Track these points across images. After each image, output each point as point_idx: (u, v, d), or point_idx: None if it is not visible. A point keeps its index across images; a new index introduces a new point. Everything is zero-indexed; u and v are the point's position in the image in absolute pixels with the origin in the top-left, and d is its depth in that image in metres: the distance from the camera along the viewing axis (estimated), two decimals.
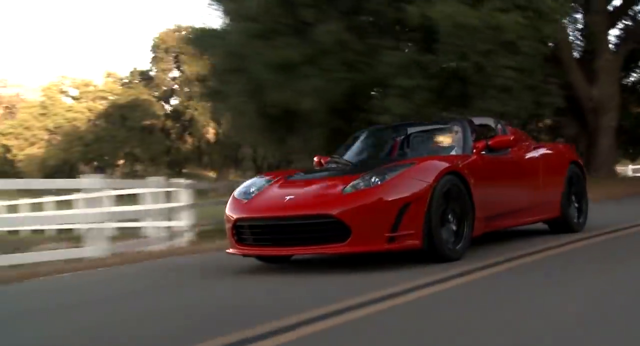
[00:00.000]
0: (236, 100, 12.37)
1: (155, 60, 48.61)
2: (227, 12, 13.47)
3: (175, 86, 48.47)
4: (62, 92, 51.38)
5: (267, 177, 5.40)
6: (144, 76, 50.22)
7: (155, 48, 49.02)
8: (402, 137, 6.10)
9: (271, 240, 4.88)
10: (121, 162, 50.04)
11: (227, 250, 5.19)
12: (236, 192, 5.27)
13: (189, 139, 50.06)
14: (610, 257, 4.77)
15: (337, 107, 12.34)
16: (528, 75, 10.86)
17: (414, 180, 4.69)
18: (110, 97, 50.25)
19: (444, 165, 4.91)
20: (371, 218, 4.53)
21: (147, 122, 47.47)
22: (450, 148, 5.66)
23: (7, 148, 49.83)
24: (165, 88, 48.94)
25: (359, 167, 5.43)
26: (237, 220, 4.97)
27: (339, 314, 3.13)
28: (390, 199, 4.57)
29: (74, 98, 51.67)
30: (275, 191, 5.06)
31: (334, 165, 5.83)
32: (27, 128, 49.28)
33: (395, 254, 4.84)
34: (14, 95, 60.27)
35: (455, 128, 5.80)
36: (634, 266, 4.30)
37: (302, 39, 12.06)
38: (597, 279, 3.81)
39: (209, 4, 14.38)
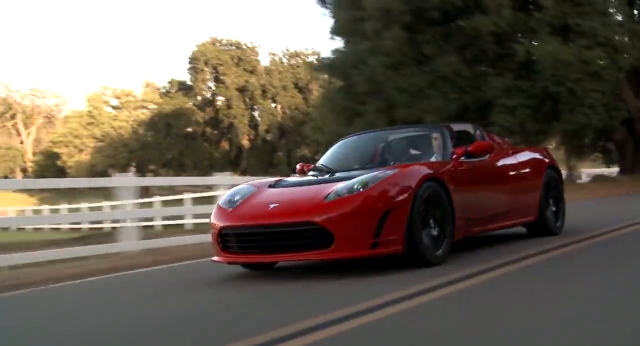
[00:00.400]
0: (372, 116, 15.90)
1: (194, 71, 51.98)
2: (350, 45, 17.01)
3: (216, 96, 51.90)
4: (104, 102, 54.68)
5: (252, 185, 5.46)
6: (182, 86, 53.61)
7: (193, 59, 52.43)
8: (383, 143, 6.18)
9: (256, 247, 4.93)
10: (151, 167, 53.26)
11: (213, 258, 5.28)
12: (221, 201, 5.34)
13: (225, 145, 53.42)
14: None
15: (450, 121, 15.91)
16: (607, 95, 14.46)
17: (395, 187, 4.76)
18: (151, 106, 53.69)
19: (425, 171, 4.99)
20: (354, 225, 4.60)
21: (189, 130, 50.94)
22: (431, 154, 5.73)
23: (58, 156, 53.19)
24: (203, 97, 52.35)
25: (341, 174, 5.43)
26: (222, 228, 5.03)
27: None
28: (372, 206, 4.64)
29: (115, 107, 54.98)
30: (260, 199, 5.10)
31: (316, 173, 5.81)
32: (76, 136, 52.61)
33: (378, 259, 4.87)
34: (54, 105, 63.37)
35: (435, 134, 5.88)
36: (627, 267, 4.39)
37: (424, 68, 15.61)
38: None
39: (331, 38, 17.94)
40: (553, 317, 3.01)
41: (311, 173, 5.85)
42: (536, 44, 14.46)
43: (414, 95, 15.50)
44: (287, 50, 53.07)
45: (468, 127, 6.30)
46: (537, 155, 6.77)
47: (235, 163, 53.04)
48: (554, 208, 6.61)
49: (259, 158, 51.62)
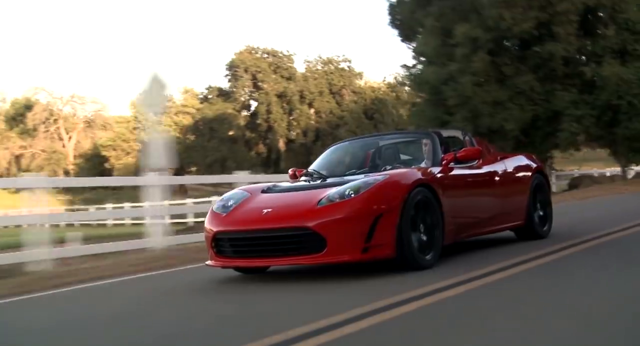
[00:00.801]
0: (459, 124, 19.35)
1: (234, 78, 55.26)
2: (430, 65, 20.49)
3: (255, 101, 55.24)
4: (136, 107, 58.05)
5: (245, 191, 5.51)
6: (222, 92, 56.92)
7: (233, 67, 55.69)
8: (374, 149, 6.24)
9: (250, 251, 4.99)
10: (193, 169, 56.55)
11: (206, 262, 5.34)
12: (214, 206, 5.40)
13: (262, 148, 56.66)
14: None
15: (524, 127, 19.32)
16: None
17: (386, 193, 4.81)
18: (192, 111, 57.02)
19: (415, 177, 5.04)
20: (346, 230, 4.65)
21: (231, 133, 54.29)
22: (421, 159, 5.78)
23: (99, 158, 56.59)
24: (242, 102, 55.66)
25: (333, 179, 5.51)
26: (217, 232, 5.09)
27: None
28: (363, 211, 4.69)
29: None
30: (253, 204, 5.15)
31: (308, 178, 5.90)
32: (124, 140, 56.00)
33: (369, 264, 4.91)
34: (93, 111, 66.56)
35: (425, 140, 5.94)
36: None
37: (505, 85, 19.06)
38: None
39: (420, 62, 21.45)
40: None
41: (303, 178, 5.96)
42: (600, 65, 18.03)
43: (495, 107, 18.96)
44: (320, 57, 56.51)
45: (457, 133, 6.48)
46: (524, 161, 6.81)
47: (273, 164, 56.25)
48: (541, 213, 6.67)
49: (295, 160, 54.81)
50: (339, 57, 56.59)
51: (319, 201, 4.83)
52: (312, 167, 6.17)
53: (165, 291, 5.38)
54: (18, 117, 66.97)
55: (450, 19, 19.91)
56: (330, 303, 3.96)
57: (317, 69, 55.23)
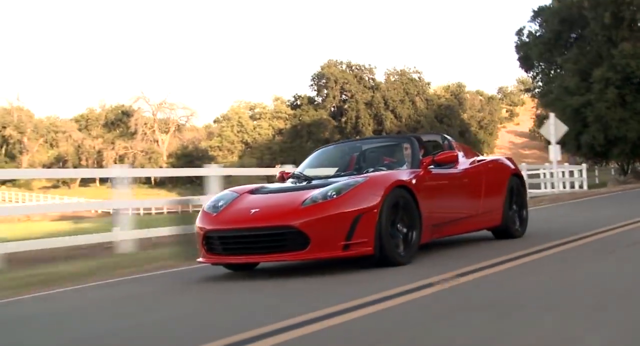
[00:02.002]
0: (595, 134, 28.97)
1: (325, 87, 64.42)
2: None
3: (342, 108, 64.68)
4: (251, 114, 67.58)
5: (234, 192, 5.78)
6: (311, 100, 66.30)
7: (321, 77, 64.90)
8: (358, 152, 6.62)
9: (238, 249, 5.30)
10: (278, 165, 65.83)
11: (198, 259, 5.66)
12: (205, 206, 5.71)
13: None
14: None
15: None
16: None
17: (366, 194, 5.15)
18: (284, 117, 66.48)
19: (393, 179, 5.40)
20: (328, 228, 4.99)
21: (325, 136, 63.80)
22: (401, 163, 6.14)
23: (213, 158, 66.08)
24: (331, 109, 65.04)
25: (317, 181, 5.77)
26: (207, 231, 5.40)
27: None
28: (344, 211, 5.03)
29: (252, 117, 67.83)
30: (242, 204, 5.46)
31: (295, 180, 6.15)
32: (231, 142, 65.46)
33: (351, 260, 5.21)
34: (183, 116, 75.87)
35: (405, 144, 6.31)
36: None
37: (627, 108, 28.78)
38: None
39: (551, 89, 31.25)
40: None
41: (290, 180, 6.26)
42: None
43: (620, 122, 28.68)
44: (395, 69, 66.08)
45: (437, 138, 6.97)
46: (501, 163, 7.22)
47: None
48: (517, 214, 7.05)
49: None
50: (409, 68, 66.25)
51: (303, 201, 5.17)
52: (299, 169, 6.49)
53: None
54: (117, 121, 76.55)
55: (584, 63, 29.78)
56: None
57: (394, 80, 64.78)
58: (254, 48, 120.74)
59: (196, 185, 60.24)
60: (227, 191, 5.96)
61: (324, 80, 64.42)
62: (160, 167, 72.04)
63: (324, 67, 64.90)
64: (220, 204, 5.60)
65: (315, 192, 5.29)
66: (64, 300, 5.29)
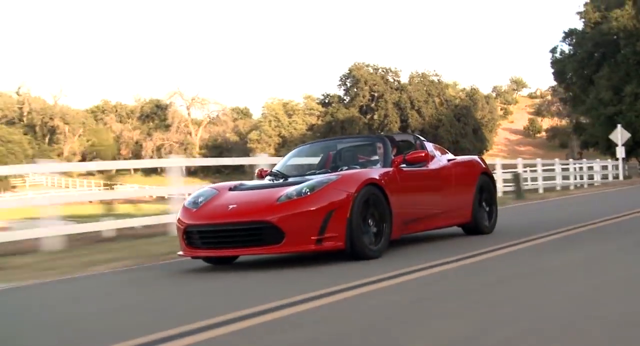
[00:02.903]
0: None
1: (355, 88, 71.13)
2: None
3: (369, 106, 71.53)
4: (287, 110, 74.14)
5: (214, 188, 6.06)
6: (340, 98, 72.96)
7: (350, 78, 71.67)
8: (333, 151, 6.92)
9: (216, 243, 5.54)
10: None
11: (178, 253, 5.92)
12: (186, 202, 5.96)
13: None
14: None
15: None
16: None
17: (337, 191, 5.41)
18: (316, 113, 73.17)
19: (364, 177, 5.64)
20: (301, 224, 5.25)
21: (357, 132, 70.47)
22: (374, 161, 6.42)
23: (251, 150, 72.63)
24: (361, 107, 71.78)
25: (293, 179, 6.03)
26: (187, 226, 5.63)
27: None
28: (317, 207, 5.30)
29: (286, 113, 74.41)
30: (221, 200, 5.70)
31: (272, 177, 6.39)
32: (269, 136, 71.97)
33: (324, 253, 5.54)
34: (215, 111, 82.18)
35: (378, 144, 6.59)
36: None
37: None
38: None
39: (585, 100, 38.82)
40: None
41: (268, 178, 6.50)
42: None
43: None
44: (417, 72, 73.12)
45: (409, 138, 7.32)
46: (471, 163, 7.55)
47: None
48: (486, 210, 7.40)
49: None
50: (429, 72, 73.38)
51: (279, 198, 5.43)
52: (276, 167, 6.79)
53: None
54: (152, 114, 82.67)
55: (616, 80, 37.34)
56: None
57: (417, 81, 71.86)
58: (281, 49, 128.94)
59: (224, 174, 66.85)
60: (207, 187, 6.25)
61: (353, 81, 71.13)
62: (194, 157, 78.83)
63: (353, 69, 71.54)
64: (200, 200, 5.82)
65: (290, 189, 5.53)
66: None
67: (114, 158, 75.35)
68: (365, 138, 7.84)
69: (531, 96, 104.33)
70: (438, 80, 72.78)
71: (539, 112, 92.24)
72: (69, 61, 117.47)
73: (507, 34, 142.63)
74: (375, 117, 70.01)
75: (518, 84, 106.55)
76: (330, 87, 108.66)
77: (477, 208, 7.23)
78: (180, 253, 5.92)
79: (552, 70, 43.37)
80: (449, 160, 7.24)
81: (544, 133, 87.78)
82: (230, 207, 5.58)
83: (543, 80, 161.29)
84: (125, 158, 76.98)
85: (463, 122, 70.83)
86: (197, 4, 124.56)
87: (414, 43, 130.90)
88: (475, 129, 72.25)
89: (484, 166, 7.68)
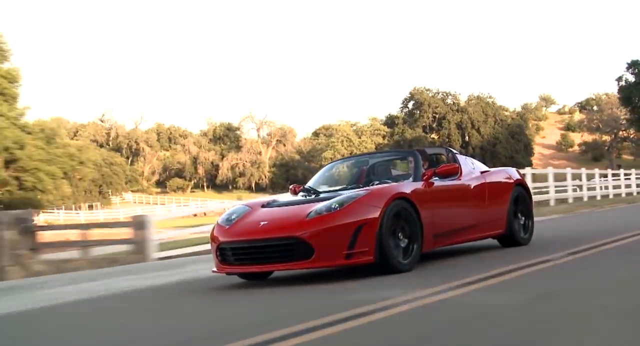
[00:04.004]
0: None
1: (419, 108, 78.37)
2: None
3: (431, 126, 78.73)
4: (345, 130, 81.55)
5: (247, 206, 6.23)
6: (404, 119, 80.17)
7: (412, 101, 79.10)
8: (365, 166, 7.04)
9: (248, 259, 5.69)
10: None
11: (212, 269, 6.08)
12: (220, 219, 6.11)
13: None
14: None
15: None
16: None
17: (366, 206, 5.51)
18: (382, 133, 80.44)
19: (393, 191, 5.74)
20: (331, 239, 5.34)
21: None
22: (406, 175, 6.55)
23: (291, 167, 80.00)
24: (424, 127, 78.94)
25: (325, 194, 6.13)
26: (220, 243, 5.81)
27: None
28: (346, 222, 5.38)
29: (355, 133, 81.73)
30: (253, 217, 5.85)
31: (305, 193, 6.51)
32: (342, 155, 79.10)
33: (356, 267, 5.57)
34: (282, 132, 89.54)
35: (410, 158, 6.71)
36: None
37: None
38: None
39: None
40: None
41: (301, 194, 6.63)
42: None
43: None
44: (473, 95, 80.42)
45: (442, 151, 7.43)
46: (505, 174, 7.60)
47: None
48: (522, 222, 7.44)
49: None
50: (484, 94, 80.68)
51: (308, 214, 5.54)
52: (309, 184, 6.89)
53: None
54: (223, 136, 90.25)
55: None
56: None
57: (475, 103, 79.09)
58: (344, 73, 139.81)
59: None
60: (240, 205, 6.48)
61: (416, 104, 78.56)
62: (265, 175, 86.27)
63: (415, 93, 79.02)
64: (233, 217, 6.01)
65: (320, 205, 5.67)
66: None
67: (190, 178, 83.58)
68: (397, 153, 8.15)
69: (560, 112, 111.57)
70: (492, 101, 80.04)
71: (569, 127, 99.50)
72: (146, 89, 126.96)
73: (534, 52, 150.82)
74: (438, 136, 77.17)
75: (547, 101, 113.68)
76: (389, 108, 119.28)
77: (512, 219, 7.24)
78: (214, 269, 6.08)
79: (619, 96, 50.72)
80: (482, 172, 7.31)
81: (576, 148, 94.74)
82: (262, 223, 5.70)
83: (570, 96, 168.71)
84: (200, 177, 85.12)
85: (517, 139, 77.99)
86: (262, 32, 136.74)
87: (443, 64, 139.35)
88: (525, 145, 79.46)
89: (518, 177, 7.73)
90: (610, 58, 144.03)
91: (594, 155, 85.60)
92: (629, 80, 50.43)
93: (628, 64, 50.45)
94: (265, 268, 5.74)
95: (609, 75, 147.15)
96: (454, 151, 7.32)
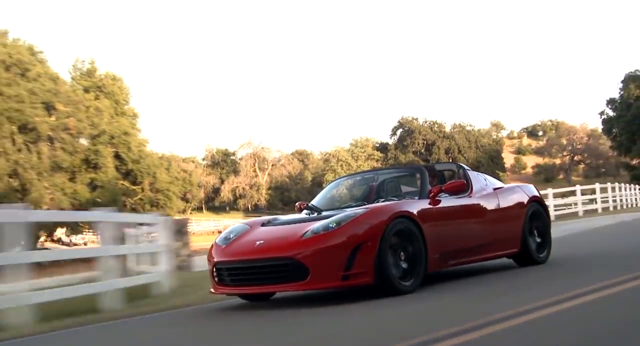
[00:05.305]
0: None
1: (409, 135, 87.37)
2: None
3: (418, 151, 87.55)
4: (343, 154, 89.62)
5: (246, 224, 6.11)
6: (396, 145, 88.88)
7: (398, 127, 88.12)
8: (374, 183, 6.85)
9: (244, 280, 5.54)
10: None
11: (210, 290, 5.90)
12: (217, 238, 6.00)
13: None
14: None
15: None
16: None
17: (365, 225, 5.29)
18: (376, 158, 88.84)
19: (394, 209, 5.50)
20: (327, 259, 5.14)
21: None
22: (413, 193, 6.34)
23: (285, 189, 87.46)
24: (414, 152, 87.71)
25: (328, 212, 5.91)
26: (216, 263, 5.68)
27: None
28: (342, 242, 5.19)
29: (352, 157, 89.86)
30: (250, 236, 5.73)
31: (309, 211, 6.36)
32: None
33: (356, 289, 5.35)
34: (276, 157, 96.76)
35: (417, 175, 6.52)
36: None
37: None
38: None
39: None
40: None
41: (305, 211, 6.50)
42: None
43: None
44: (455, 123, 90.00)
45: (452, 167, 7.24)
46: (519, 191, 7.28)
47: None
48: (538, 240, 7.14)
49: None
50: (464, 123, 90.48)
51: (304, 233, 5.37)
52: (313, 202, 6.71)
53: None
54: (221, 162, 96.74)
55: None
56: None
57: (457, 131, 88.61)
58: (336, 101, 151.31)
59: (286, 210, 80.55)
60: (240, 223, 6.31)
61: (407, 131, 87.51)
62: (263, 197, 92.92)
63: (404, 121, 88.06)
64: (231, 236, 5.90)
65: (317, 224, 5.48)
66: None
67: (190, 201, 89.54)
68: (404, 169, 7.94)
69: (509, 137, 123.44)
70: (472, 129, 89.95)
71: (519, 151, 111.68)
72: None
73: (486, 81, 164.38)
74: (430, 161, 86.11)
75: (497, 127, 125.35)
76: (377, 134, 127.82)
77: (527, 237, 6.96)
78: (212, 290, 5.92)
79: (602, 127, 60.87)
80: (495, 188, 7.07)
81: (529, 170, 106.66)
82: (258, 243, 5.57)
83: (516, 122, 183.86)
84: (200, 200, 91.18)
85: (495, 163, 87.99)
86: (253, 60, 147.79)
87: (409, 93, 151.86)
88: (502, 168, 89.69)
89: (534, 193, 7.44)
90: (555, 86, 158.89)
91: (545, 176, 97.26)
92: (609, 114, 60.64)
93: (607, 100, 60.69)
94: (260, 289, 5.62)
95: (555, 102, 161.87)
96: (465, 167, 7.16)
